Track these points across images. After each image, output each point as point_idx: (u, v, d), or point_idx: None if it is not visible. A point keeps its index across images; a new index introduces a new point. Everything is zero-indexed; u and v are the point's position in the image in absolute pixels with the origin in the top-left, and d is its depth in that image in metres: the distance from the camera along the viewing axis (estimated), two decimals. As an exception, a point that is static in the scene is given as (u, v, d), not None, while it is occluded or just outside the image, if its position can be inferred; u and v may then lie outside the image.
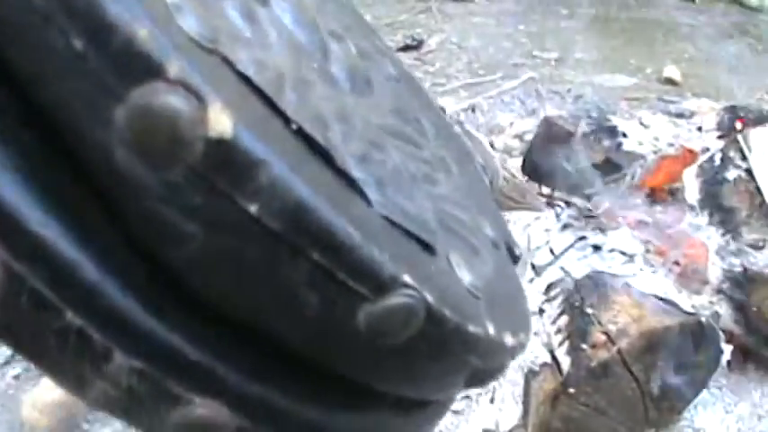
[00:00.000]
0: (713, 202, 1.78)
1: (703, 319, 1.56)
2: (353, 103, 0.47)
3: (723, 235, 1.74)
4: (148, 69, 0.29)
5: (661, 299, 1.58)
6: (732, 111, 1.98)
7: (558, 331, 1.58)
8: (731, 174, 1.79)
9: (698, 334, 1.56)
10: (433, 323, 0.36)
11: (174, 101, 0.29)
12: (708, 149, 1.87)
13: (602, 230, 1.75)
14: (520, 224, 1.80)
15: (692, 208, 1.77)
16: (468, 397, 1.58)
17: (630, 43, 3.86)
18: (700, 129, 1.98)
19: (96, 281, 0.32)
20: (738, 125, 1.89)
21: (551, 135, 1.92)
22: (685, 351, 1.55)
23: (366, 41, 0.59)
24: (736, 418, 1.70)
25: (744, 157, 1.80)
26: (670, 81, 3.42)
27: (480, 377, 0.47)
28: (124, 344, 0.33)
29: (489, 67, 3.38)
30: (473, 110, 2.62)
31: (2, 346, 0.35)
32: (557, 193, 1.83)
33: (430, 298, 0.36)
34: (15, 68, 0.31)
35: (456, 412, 1.57)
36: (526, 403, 1.52)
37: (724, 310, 1.67)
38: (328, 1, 0.56)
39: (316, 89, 0.43)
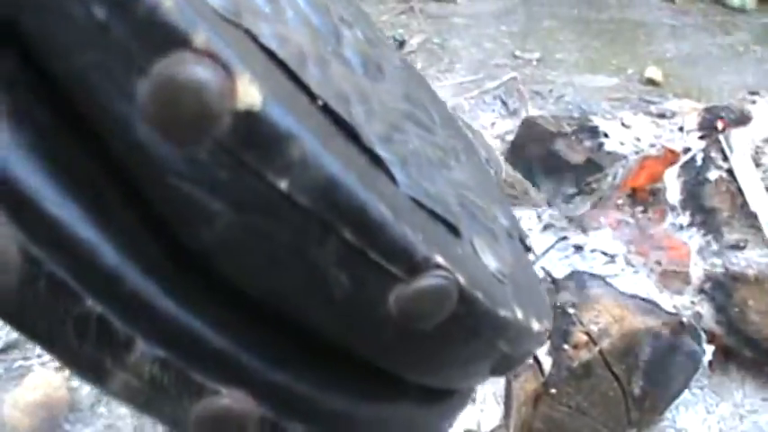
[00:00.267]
0: (695, 202, 1.78)
1: (685, 320, 1.57)
2: (369, 87, 0.46)
3: (704, 235, 1.74)
4: (174, 39, 0.28)
5: (642, 299, 1.58)
6: (713, 111, 1.98)
7: (540, 332, 1.57)
8: (713, 174, 1.79)
9: (679, 334, 1.56)
10: (465, 306, 0.36)
11: (201, 72, 0.28)
12: (689, 150, 1.87)
13: (584, 231, 1.75)
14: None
15: (673, 208, 1.77)
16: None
17: (612, 44, 3.87)
18: (681, 129, 1.99)
19: (117, 265, 0.31)
20: (719, 125, 1.90)
21: (532, 135, 1.92)
22: (667, 351, 1.55)
23: (371, 31, 0.58)
24: (718, 418, 1.71)
25: (725, 158, 1.81)
26: (651, 81, 3.43)
27: (507, 363, 0.46)
28: (146, 331, 0.32)
29: (471, 67, 3.38)
30: (454, 110, 2.62)
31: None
32: (541, 194, 1.82)
33: (462, 280, 0.35)
34: (31, 40, 0.30)
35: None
36: (507, 404, 1.51)
37: (705, 310, 1.68)
38: None
39: (334, 69, 0.42)
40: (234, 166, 0.29)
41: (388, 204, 0.33)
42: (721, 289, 1.67)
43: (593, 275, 1.63)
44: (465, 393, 0.51)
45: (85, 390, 1.68)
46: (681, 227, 1.75)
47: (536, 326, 0.43)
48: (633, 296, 1.59)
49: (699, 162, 1.83)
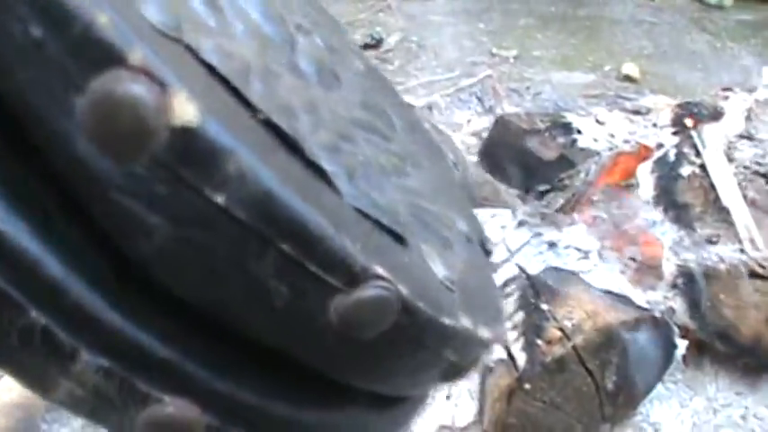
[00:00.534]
0: (668, 198, 1.79)
1: (658, 315, 1.58)
2: (322, 96, 0.46)
3: (678, 231, 1.75)
4: (109, 57, 0.28)
5: (616, 295, 1.59)
6: (686, 107, 2.00)
7: (514, 327, 1.58)
8: (685, 170, 1.81)
9: (652, 329, 1.57)
10: (408, 316, 0.36)
11: (137, 89, 0.28)
12: (662, 146, 1.88)
13: (558, 227, 1.75)
14: (476, 221, 1.81)
15: (646, 204, 1.78)
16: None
17: (589, 41, 3.89)
18: (656, 125, 2.00)
19: (61, 277, 0.32)
20: (689, 122, 1.91)
21: (505, 133, 1.93)
22: (640, 346, 1.56)
23: (333, 37, 0.58)
24: (692, 412, 1.72)
25: (698, 154, 1.82)
26: (628, 78, 3.44)
27: (455, 371, 0.46)
28: (90, 342, 0.32)
29: (448, 65, 3.39)
30: (430, 108, 2.62)
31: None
32: (511, 190, 1.83)
33: (404, 290, 0.35)
34: None
35: (413, 410, 1.57)
36: (482, 400, 1.52)
37: (678, 305, 1.69)
38: None
39: (283, 81, 0.42)
40: (171, 181, 0.30)
41: (327, 216, 0.33)
42: (694, 284, 1.68)
43: (566, 271, 1.64)
44: (418, 399, 0.52)
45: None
46: (654, 222, 1.76)
47: (485, 333, 0.44)
48: (606, 292, 1.60)
49: (672, 158, 1.84)
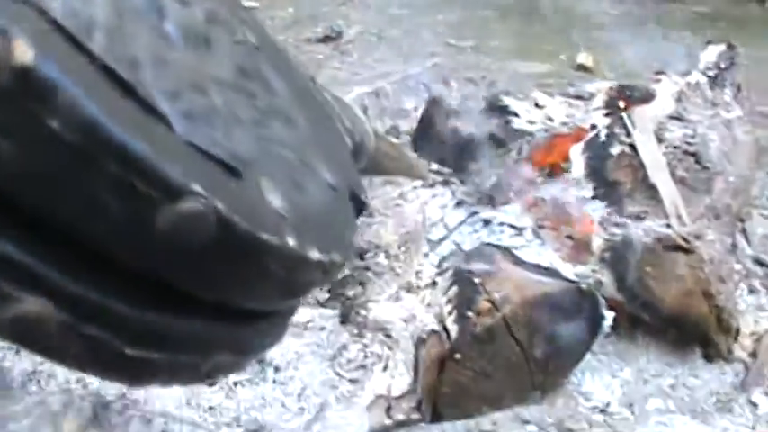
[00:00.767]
0: (598, 176, 1.85)
1: (584, 286, 1.63)
2: (181, 56, 0.54)
3: (606, 207, 1.80)
4: None
5: (545, 268, 1.65)
6: (620, 90, 2.06)
7: (449, 302, 1.64)
8: (615, 149, 1.86)
9: (578, 300, 1.62)
10: (224, 228, 0.43)
11: None
12: (596, 127, 1.94)
13: (493, 206, 1.81)
14: (418, 202, 1.86)
15: (577, 182, 1.84)
16: (363, 366, 1.63)
17: (547, 32, 3.95)
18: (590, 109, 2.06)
19: None
20: (621, 104, 1.97)
21: (438, 112, 1.99)
22: (566, 316, 1.61)
23: (225, 10, 0.67)
24: (622, 382, 1.77)
25: (628, 134, 1.88)
26: (583, 67, 3.51)
27: (291, 288, 0.54)
28: None
29: (407, 56, 3.45)
30: (377, 94, 2.68)
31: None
32: (445, 170, 1.89)
33: (220, 205, 0.43)
34: None
35: (352, 381, 1.62)
36: (416, 370, 1.57)
37: (606, 278, 1.74)
38: None
39: (139, 40, 0.50)
40: (16, 111, 0.37)
41: (150, 142, 0.41)
42: (621, 258, 1.74)
43: (498, 247, 1.69)
44: (283, 315, 0.59)
45: (17, 368, 1.72)
46: (584, 200, 1.82)
47: (315, 255, 0.51)
48: (536, 265, 1.65)
49: (603, 138, 1.90)
